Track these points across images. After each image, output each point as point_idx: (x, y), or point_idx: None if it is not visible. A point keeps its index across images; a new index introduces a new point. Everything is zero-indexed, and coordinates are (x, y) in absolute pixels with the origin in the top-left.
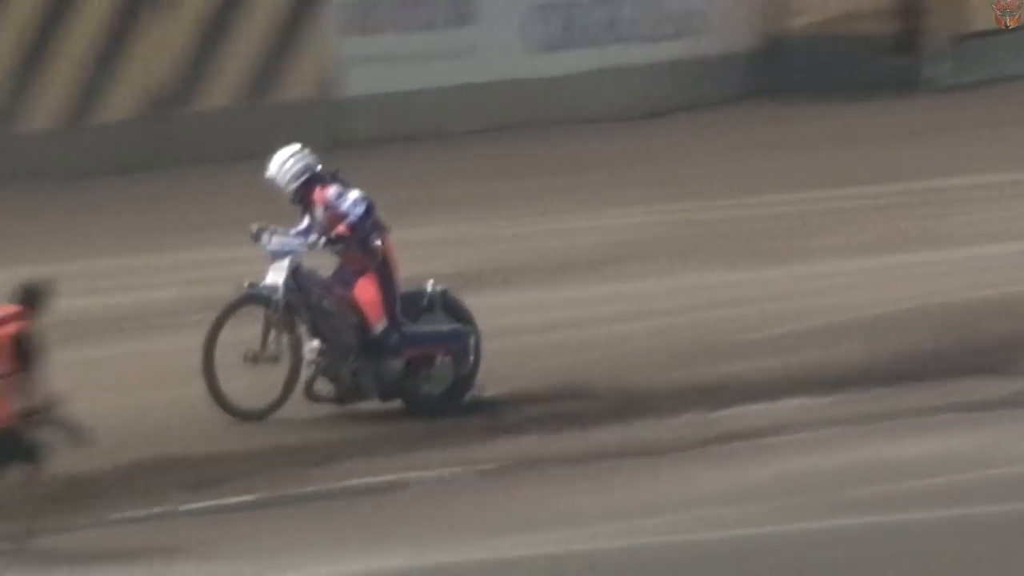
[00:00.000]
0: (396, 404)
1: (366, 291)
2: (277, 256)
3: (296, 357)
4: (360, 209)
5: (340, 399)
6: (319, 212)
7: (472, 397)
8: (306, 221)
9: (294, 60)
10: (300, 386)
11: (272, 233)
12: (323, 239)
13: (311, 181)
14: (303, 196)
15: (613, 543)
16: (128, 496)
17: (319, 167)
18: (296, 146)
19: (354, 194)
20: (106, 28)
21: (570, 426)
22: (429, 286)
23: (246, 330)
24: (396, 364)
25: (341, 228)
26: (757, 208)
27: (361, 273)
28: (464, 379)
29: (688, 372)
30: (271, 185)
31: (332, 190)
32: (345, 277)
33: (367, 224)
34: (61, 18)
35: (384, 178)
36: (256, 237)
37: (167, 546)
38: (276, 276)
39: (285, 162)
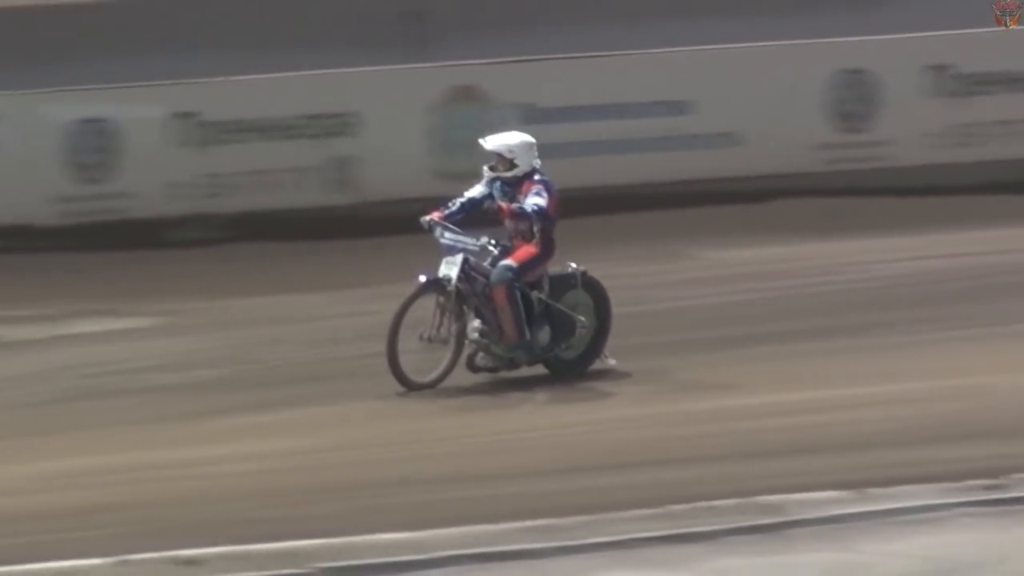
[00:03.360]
0: None
1: (520, 252)
2: (451, 250)
3: (461, 336)
4: (527, 207)
5: (495, 369)
6: (520, 197)
7: (601, 363)
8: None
9: None
10: (463, 360)
11: (444, 228)
12: (492, 241)
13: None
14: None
15: None
16: None
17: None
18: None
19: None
20: None
21: None
22: (572, 268)
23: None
24: (544, 335)
25: (502, 205)
26: None
27: (522, 245)
28: (593, 348)
29: None
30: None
31: (540, 187)
32: (509, 251)
33: (523, 218)
34: None
35: None
36: (429, 228)
37: None
38: (449, 269)
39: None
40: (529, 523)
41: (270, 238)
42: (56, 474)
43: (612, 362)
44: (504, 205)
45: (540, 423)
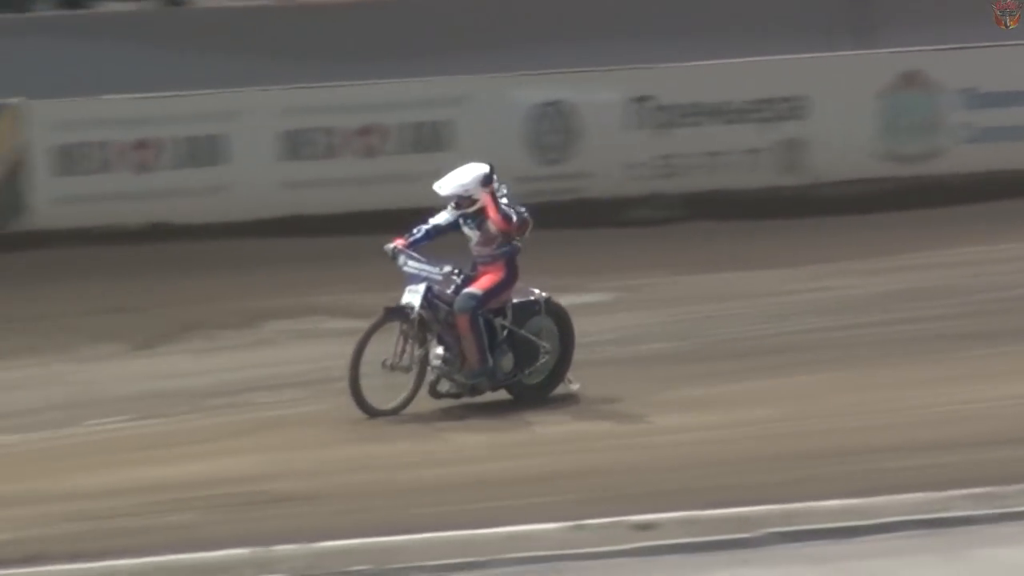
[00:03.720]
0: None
1: (483, 279)
2: (414, 279)
3: (424, 364)
4: (509, 211)
5: (457, 395)
6: (488, 225)
7: (565, 387)
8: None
9: None
10: (425, 387)
11: (408, 257)
12: (456, 270)
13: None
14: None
15: None
16: None
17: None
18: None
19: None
20: None
21: None
22: (535, 294)
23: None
24: (507, 362)
25: (502, 225)
26: None
27: (487, 272)
28: (556, 373)
29: None
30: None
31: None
32: (473, 279)
33: (503, 216)
34: None
35: None
36: (393, 256)
37: None
38: (412, 297)
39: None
40: (972, 491)
41: (721, 217)
42: (512, 443)
43: (575, 386)
44: (501, 224)
45: (985, 395)
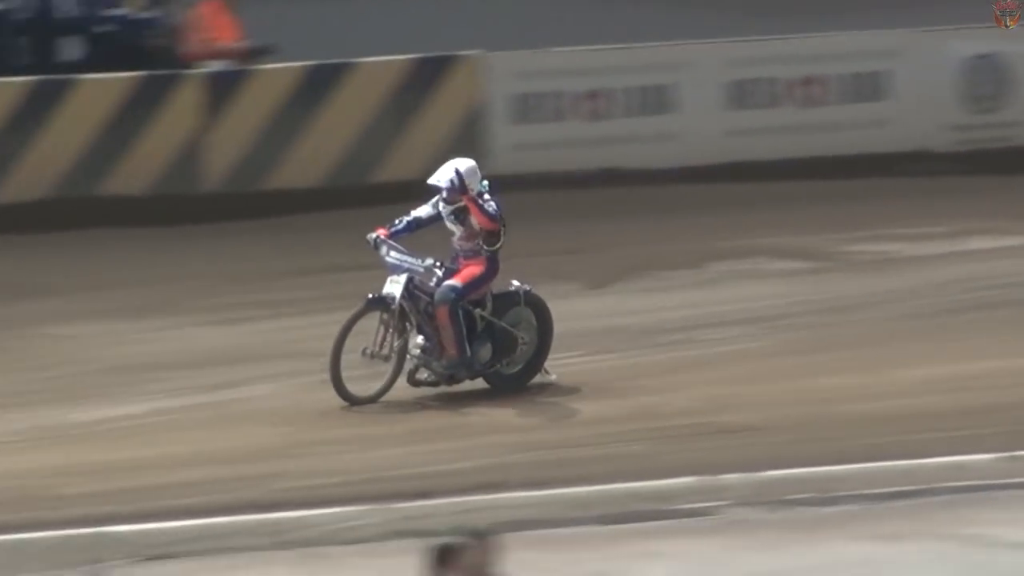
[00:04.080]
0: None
1: (464, 272)
2: (395, 270)
3: (403, 353)
4: (487, 209)
5: (435, 383)
6: (471, 220)
7: (542, 377)
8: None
9: None
10: (403, 375)
11: (390, 248)
12: (437, 263)
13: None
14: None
15: None
16: None
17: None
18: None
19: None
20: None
21: None
22: (515, 286)
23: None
24: (486, 352)
25: (485, 224)
26: None
27: (468, 265)
28: (533, 364)
29: None
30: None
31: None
32: (454, 272)
33: (483, 212)
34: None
35: None
36: (375, 247)
37: None
38: (394, 288)
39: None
40: None
41: None
42: (942, 378)
43: (552, 377)
44: (485, 223)
45: None
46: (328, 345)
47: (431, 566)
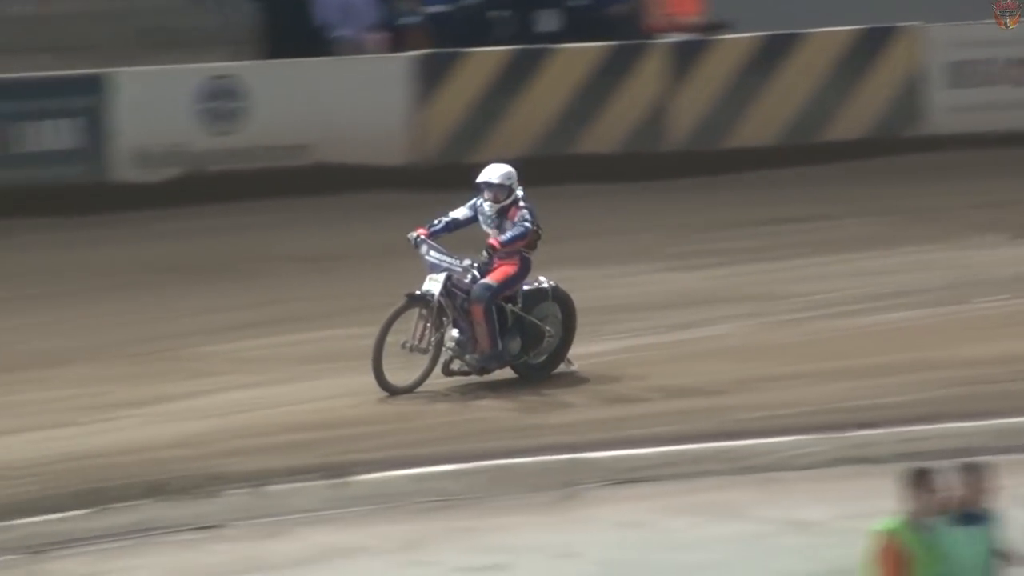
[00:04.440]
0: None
1: (498, 271)
2: (435, 269)
3: (439, 346)
4: (517, 231)
5: (467, 374)
6: (507, 224)
7: (565, 367)
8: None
9: None
10: (439, 367)
11: (430, 247)
12: (474, 263)
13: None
14: (505, 208)
15: None
16: None
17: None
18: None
19: (525, 218)
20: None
21: None
22: (543, 282)
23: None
24: (515, 345)
25: (493, 241)
26: None
27: (502, 265)
28: (557, 354)
29: None
30: (488, 187)
31: (524, 211)
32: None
33: (514, 244)
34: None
35: None
36: (416, 245)
37: None
38: (433, 286)
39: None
40: None
41: None
42: None
43: (574, 366)
44: (494, 241)
45: None
46: (788, 289)
47: (908, 487)
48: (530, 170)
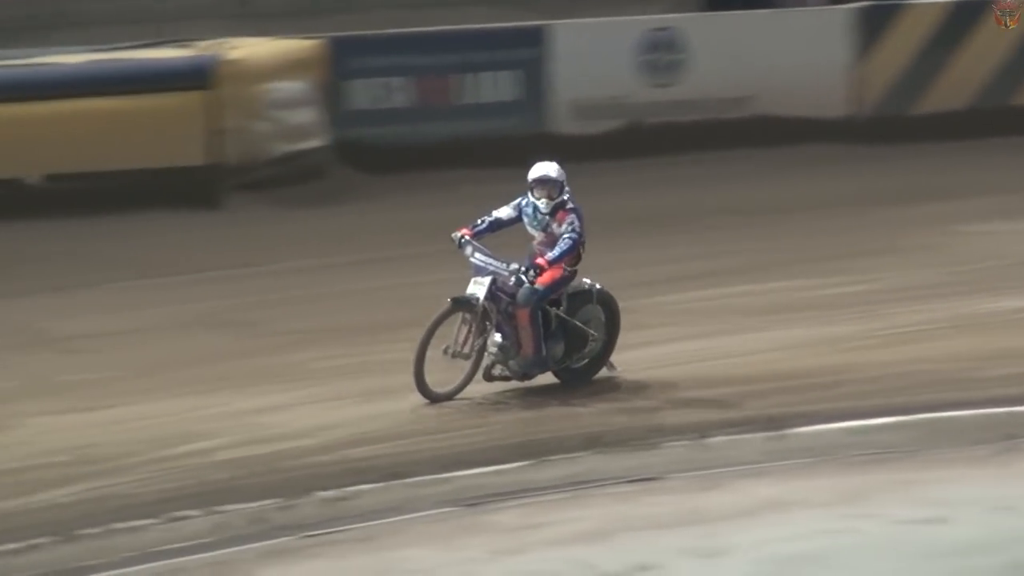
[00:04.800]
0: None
1: (546, 275)
2: (480, 272)
3: (482, 350)
4: (564, 246)
5: (508, 379)
6: (554, 226)
7: (608, 371)
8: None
9: None
10: (480, 372)
11: (475, 249)
12: (520, 268)
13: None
14: (555, 208)
15: None
16: None
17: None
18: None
19: (574, 227)
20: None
21: None
22: (588, 284)
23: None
24: (559, 350)
25: (541, 260)
26: None
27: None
28: (600, 358)
29: None
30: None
31: (572, 216)
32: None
33: (562, 259)
34: None
35: None
36: (460, 246)
37: None
38: (478, 289)
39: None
40: None
41: None
42: None
43: (618, 370)
44: (542, 260)
45: None
46: None
47: None
48: (971, 122)
